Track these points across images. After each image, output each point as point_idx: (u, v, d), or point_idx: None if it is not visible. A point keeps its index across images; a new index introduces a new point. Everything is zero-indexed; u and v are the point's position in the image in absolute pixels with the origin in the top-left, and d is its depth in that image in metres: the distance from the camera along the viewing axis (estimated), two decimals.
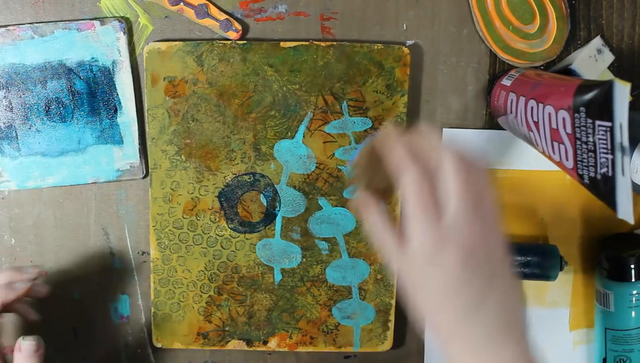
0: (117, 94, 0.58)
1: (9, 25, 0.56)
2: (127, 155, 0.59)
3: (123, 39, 0.57)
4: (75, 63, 0.57)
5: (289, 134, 0.59)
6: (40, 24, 0.56)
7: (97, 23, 0.56)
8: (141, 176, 0.59)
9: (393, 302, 0.62)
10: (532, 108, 0.49)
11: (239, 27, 0.57)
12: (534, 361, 0.43)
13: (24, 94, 0.57)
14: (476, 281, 0.41)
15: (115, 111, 0.58)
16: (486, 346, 0.42)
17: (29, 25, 0.56)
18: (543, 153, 0.50)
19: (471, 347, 0.42)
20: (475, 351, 0.42)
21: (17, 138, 0.58)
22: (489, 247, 0.42)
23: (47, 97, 0.57)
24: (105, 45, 0.57)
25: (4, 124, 0.57)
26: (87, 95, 0.57)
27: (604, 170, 0.41)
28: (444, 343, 0.43)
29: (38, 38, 0.56)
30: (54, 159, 0.58)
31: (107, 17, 0.57)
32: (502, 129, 0.60)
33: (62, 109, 0.58)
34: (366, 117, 0.59)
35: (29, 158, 0.58)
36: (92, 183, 0.59)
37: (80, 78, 0.57)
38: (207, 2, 0.57)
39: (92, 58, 0.57)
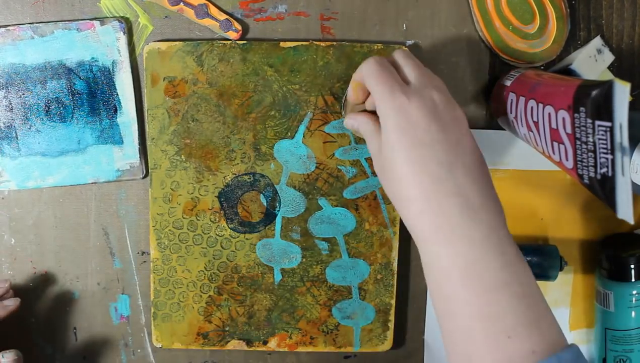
0: (117, 94, 0.58)
1: (9, 25, 0.56)
2: (127, 155, 0.59)
3: (123, 39, 0.57)
4: (75, 63, 0.57)
5: (289, 134, 0.59)
6: (40, 24, 0.56)
7: (97, 23, 0.56)
8: (141, 176, 0.59)
9: (393, 302, 0.62)
10: (532, 108, 0.49)
11: (239, 27, 0.57)
12: (506, 238, 0.44)
13: (24, 94, 0.57)
14: (444, 144, 0.45)
15: (115, 111, 0.58)
16: (459, 219, 0.43)
17: (29, 25, 0.56)
18: (543, 153, 0.50)
19: (441, 223, 0.44)
20: (445, 227, 0.44)
21: (17, 138, 0.58)
22: (451, 113, 0.46)
23: (47, 97, 0.57)
24: (105, 45, 0.57)
25: (4, 124, 0.57)
26: (87, 95, 0.57)
27: (604, 170, 0.41)
28: (414, 223, 0.45)
29: (38, 38, 0.56)
30: (54, 159, 0.58)
31: (107, 17, 0.57)
32: (502, 129, 0.60)
33: (62, 109, 0.58)
34: None
35: (29, 158, 0.58)
36: (92, 183, 0.59)
37: (80, 78, 0.57)
38: (207, 2, 0.57)
39: (92, 58, 0.57)
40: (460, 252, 0.43)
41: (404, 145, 0.45)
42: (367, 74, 0.48)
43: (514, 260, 0.43)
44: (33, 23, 0.56)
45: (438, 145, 0.45)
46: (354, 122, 0.52)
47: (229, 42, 0.57)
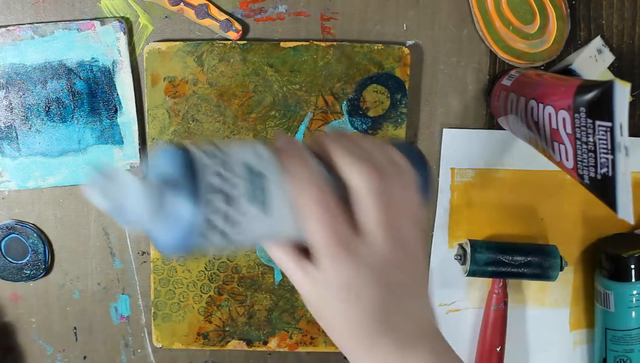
0: (117, 94, 0.58)
1: (9, 26, 0.56)
2: (127, 155, 0.59)
3: (123, 39, 0.57)
4: (76, 63, 0.57)
5: (289, 134, 0.59)
6: (41, 24, 0.56)
7: (97, 23, 0.56)
8: (142, 176, 0.59)
9: None
10: (532, 108, 0.49)
11: (239, 27, 0.57)
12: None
13: (24, 94, 0.57)
14: (392, 316, 0.37)
15: (116, 111, 0.58)
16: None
17: (29, 25, 0.56)
18: (543, 153, 0.50)
19: None
20: None
21: (17, 138, 0.58)
22: (407, 278, 0.38)
23: (47, 97, 0.57)
24: (105, 45, 0.57)
25: (4, 124, 0.57)
26: (87, 95, 0.57)
27: (604, 170, 0.41)
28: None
29: (38, 38, 0.56)
30: (55, 159, 0.58)
31: (107, 17, 0.57)
32: (502, 129, 0.60)
33: (62, 109, 0.58)
34: (366, 117, 0.59)
35: (29, 158, 0.58)
36: None
37: (80, 78, 0.57)
38: (207, 2, 0.57)
39: (92, 58, 0.57)
40: None
41: (341, 318, 0.38)
42: (304, 204, 0.36)
43: None
44: (33, 23, 0.56)
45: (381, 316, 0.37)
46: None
47: (229, 42, 0.57)
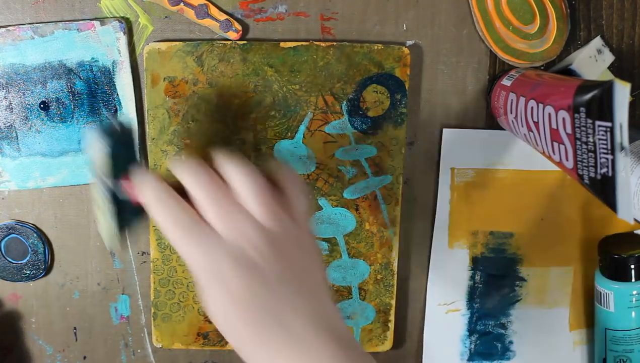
0: (117, 95, 0.58)
1: (9, 26, 0.56)
2: None
3: (123, 39, 0.57)
4: (75, 63, 0.57)
5: (289, 134, 0.59)
6: (41, 24, 0.56)
7: (97, 23, 0.56)
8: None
9: (393, 302, 0.62)
10: (532, 108, 0.49)
11: (239, 27, 0.57)
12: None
13: (24, 94, 0.57)
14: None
15: (116, 111, 0.58)
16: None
17: (29, 25, 0.56)
18: (543, 153, 0.50)
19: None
20: None
21: (17, 138, 0.58)
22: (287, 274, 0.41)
23: (47, 97, 0.57)
24: (105, 46, 0.57)
25: (4, 124, 0.57)
26: (87, 96, 0.57)
27: (604, 170, 0.41)
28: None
29: (38, 38, 0.56)
30: (55, 159, 0.58)
31: (107, 17, 0.57)
32: (502, 129, 0.60)
33: (62, 109, 0.58)
34: (366, 117, 0.59)
35: (29, 158, 0.58)
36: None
37: (80, 78, 0.57)
38: (207, 2, 0.57)
39: (92, 58, 0.57)
40: None
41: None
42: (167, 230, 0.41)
43: None
44: (33, 23, 0.56)
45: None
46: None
47: (229, 42, 0.57)
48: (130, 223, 0.47)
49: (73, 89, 0.57)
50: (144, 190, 0.43)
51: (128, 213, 0.46)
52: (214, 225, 0.41)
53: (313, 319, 0.40)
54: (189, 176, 0.42)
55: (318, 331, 0.40)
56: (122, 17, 0.57)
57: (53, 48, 0.56)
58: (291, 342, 0.39)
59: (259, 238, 0.40)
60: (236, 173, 0.42)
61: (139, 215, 0.45)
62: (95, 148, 0.44)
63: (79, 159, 0.59)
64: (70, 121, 0.58)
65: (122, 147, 0.46)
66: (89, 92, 0.57)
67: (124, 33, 0.57)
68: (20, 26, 0.56)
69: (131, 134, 0.49)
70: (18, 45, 0.56)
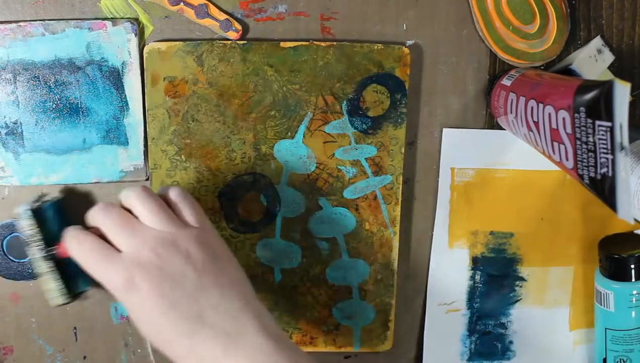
0: (125, 95, 0.58)
1: (20, 21, 0.56)
2: (131, 156, 0.59)
3: (134, 41, 0.57)
4: (85, 62, 0.57)
5: (289, 134, 0.59)
6: (52, 22, 0.56)
7: (108, 23, 0.56)
8: (144, 178, 0.59)
9: (393, 302, 0.62)
10: (532, 108, 0.49)
11: (239, 27, 0.57)
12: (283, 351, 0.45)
13: (31, 91, 0.57)
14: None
15: (122, 112, 0.58)
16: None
17: (41, 22, 0.56)
18: (543, 153, 0.50)
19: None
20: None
21: (22, 134, 0.58)
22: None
23: (55, 94, 0.57)
24: (115, 46, 0.57)
25: (10, 119, 0.57)
26: (95, 95, 0.57)
27: (604, 170, 0.41)
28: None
29: (49, 35, 0.56)
30: (59, 157, 0.58)
31: (119, 18, 0.57)
32: (502, 128, 0.60)
33: (68, 107, 0.57)
34: (366, 117, 0.59)
35: (33, 154, 0.58)
36: (95, 182, 0.59)
37: (89, 77, 0.57)
38: (207, 2, 0.57)
39: (102, 58, 0.57)
40: None
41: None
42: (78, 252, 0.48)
43: None
44: (45, 20, 0.56)
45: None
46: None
47: (229, 42, 0.57)
48: (80, 287, 0.57)
49: (81, 88, 0.57)
50: (66, 238, 0.49)
51: (77, 277, 0.55)
52: (122, 246, 0.47)
53: (229, 307, 0.46)
54: (97, 214, 0.49)
55: (238, 318, 0.45)
56: (134, 19, 0.57)
57: (63, 46, 0.56)
58: (212, 332, 0.44)
59: (156, 242, 0.46)
60: (134, 198, 0.49)
61: (86, 277, 0.49)
62: (26, 227, 0.53)
63: (83, 157, 0.59)
64: (76, 120, 0.58)
65: (51, 219, 0.55)
66: (97, 92, 0.57)
67: (135, 35, 0.57)
68: (32, 22, 0.56)
69: (58, 203, 0.57)
70: (28, 41, 0.56)
